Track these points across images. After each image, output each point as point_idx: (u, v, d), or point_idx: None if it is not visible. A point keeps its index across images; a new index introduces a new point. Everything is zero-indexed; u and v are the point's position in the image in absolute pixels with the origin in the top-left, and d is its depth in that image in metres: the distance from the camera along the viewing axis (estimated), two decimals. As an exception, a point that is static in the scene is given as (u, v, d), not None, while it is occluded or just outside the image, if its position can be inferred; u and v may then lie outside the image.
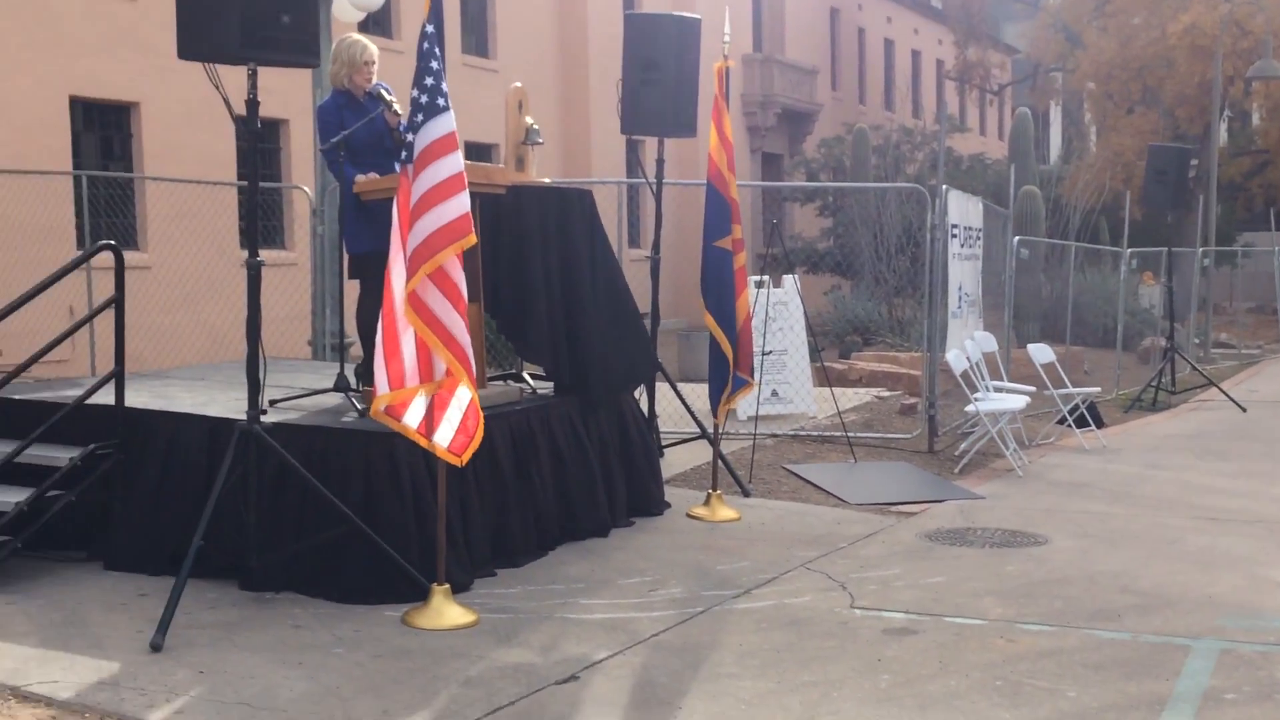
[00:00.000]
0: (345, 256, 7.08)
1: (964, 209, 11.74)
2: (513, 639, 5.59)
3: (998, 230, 14.19)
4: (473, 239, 5.64)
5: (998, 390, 11.42)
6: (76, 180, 14.88)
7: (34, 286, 6.36)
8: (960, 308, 11.56)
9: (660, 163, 8.91)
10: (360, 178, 6.71)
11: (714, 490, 8.22)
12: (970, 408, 10.59)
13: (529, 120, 7.38)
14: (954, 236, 11.20)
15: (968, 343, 11.39)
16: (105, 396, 6.72)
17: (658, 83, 8.59)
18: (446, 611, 5.78)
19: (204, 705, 4.74)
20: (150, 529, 6.46)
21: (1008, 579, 6.79)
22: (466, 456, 5.69)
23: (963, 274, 11.64)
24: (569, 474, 7.32)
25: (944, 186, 10.78)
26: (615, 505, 7.70)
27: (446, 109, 5.67)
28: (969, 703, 4.94)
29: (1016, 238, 14.60)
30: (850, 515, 8.34)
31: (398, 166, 6.84)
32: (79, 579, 6.29)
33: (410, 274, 5.55)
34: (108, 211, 15.43)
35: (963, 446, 10.70)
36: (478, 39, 25.63)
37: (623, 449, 7.91)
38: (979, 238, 12.51)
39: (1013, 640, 5.70)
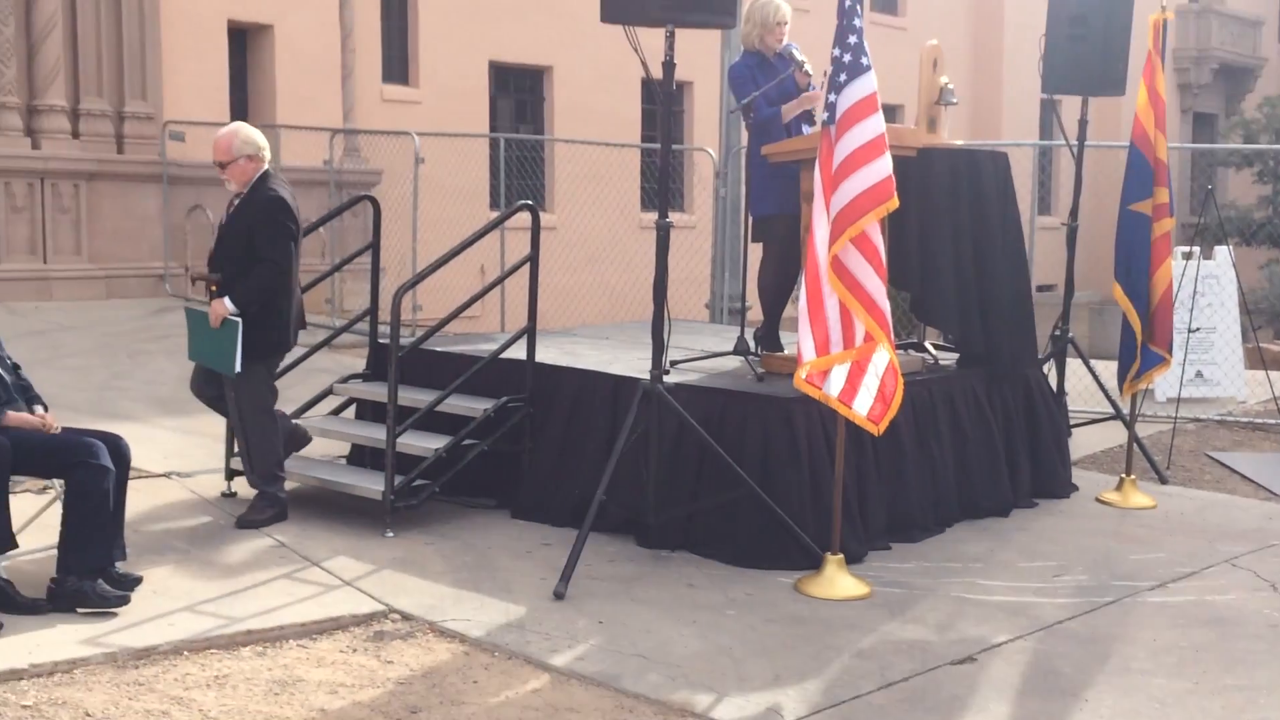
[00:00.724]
0: (748, 219, 7.22)
1: None
2: (907, 614, 5.59)
3: None
4: (895, 203, 5.64)
5: None
6: (493, 143, 15.85)
7: (459, 245, 6.85)
8: None
9: (1083, 123, 8.58)
10: (787, 107, 6.84)
11: (1127, 475, 7.88)
12: None
13: (944, 79, 7.27)
14: None
15: None
16: (516, 352, 7.17)
17: (1085, 38, 8.26)
18: (839, 581, 5.84)
19: (602, 654, 5.01)
20: (554, 481, 6.85)
21: None
22: (884, 425, 5.72)
23: None
24: (970, 449, 7.20)
25: None
26: (1018, 485, 7.52)
27: (869, 69, 5.67)
28: None
29: None
30: (1284, 511, 7.79)
31: (805, 129, 6.92)
32: (488, 525, 6.76)
33: (833, 238, 5.61)
34: (520, 173, 16.35)
35: None
36: (886, -5, 25.35)
37: (1028, 426, 7.71)
38: None
39: None
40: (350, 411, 7.70)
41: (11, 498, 5.16)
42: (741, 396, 6.44)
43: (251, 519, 6.44)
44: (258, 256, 6.34)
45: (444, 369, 7.28)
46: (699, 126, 20.59)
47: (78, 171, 13.91)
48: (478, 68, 18.58)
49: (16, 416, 5.28)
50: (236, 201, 6.48)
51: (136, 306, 13.66)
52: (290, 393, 8.28)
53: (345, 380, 7.64)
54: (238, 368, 6.35)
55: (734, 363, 7.24)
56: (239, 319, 6.32)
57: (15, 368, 5.60)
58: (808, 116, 7.12)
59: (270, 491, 6.53)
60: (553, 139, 17.80)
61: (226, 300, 6.32)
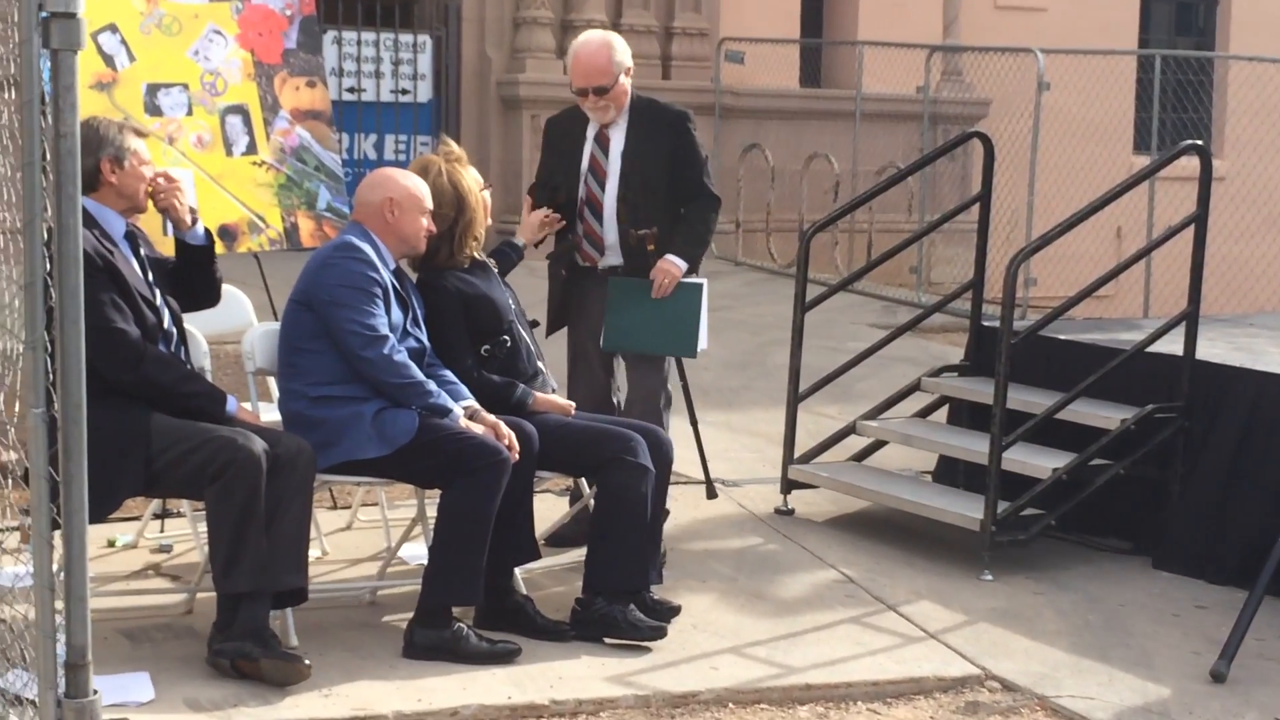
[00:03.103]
0: None
1: None
2: None
3: None
4: None
5: None
6: (1143, 63, 15.47)
7: (1098, 199, 6.77)
8: None
9: None
10: None
11: None
12: None
13: None
14: None
15: None
16: (1168, 344, 7.00)
17: None
18: None
19: (1278, 763, 4.83)
20: (1216, 522, 6.66)
21: None
22: None
23: None
24: None
25: None
26: None
27: None
28: None
29: None
30: None
31: None
32: (1120, 575, 6.66)
33: None
34: (1177, 104, 15.86)
35: None
36: None
37: None
38: None
39: None
40: (941, 414, 7.79)
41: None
42: None
43: None
44: (684, 194, 6.35)
45: (1068, 363, 7.22)
46: None
47: (616, 101, 14.84)
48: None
49: (545, 400, 5.72)
50: (615, 132, 6.38)
51: (676, 270, 14.41)
52: (862, 386, 8.52)
53: (936, 373, 7.75)
54: (703, 344, 6.42)
55: None
56: (703, 281, 6.38)
57: (534, 324, 6.04)
58: None
59: None
60: (1228, 56, 17.13)
61: (675, 258, 6.29)
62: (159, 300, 5.23)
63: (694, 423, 6.76)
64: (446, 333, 5.64)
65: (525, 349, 5.83)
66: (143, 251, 5.29)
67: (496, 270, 5.95)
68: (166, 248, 5.63)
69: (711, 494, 6.99)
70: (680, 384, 6.67)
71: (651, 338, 6.35)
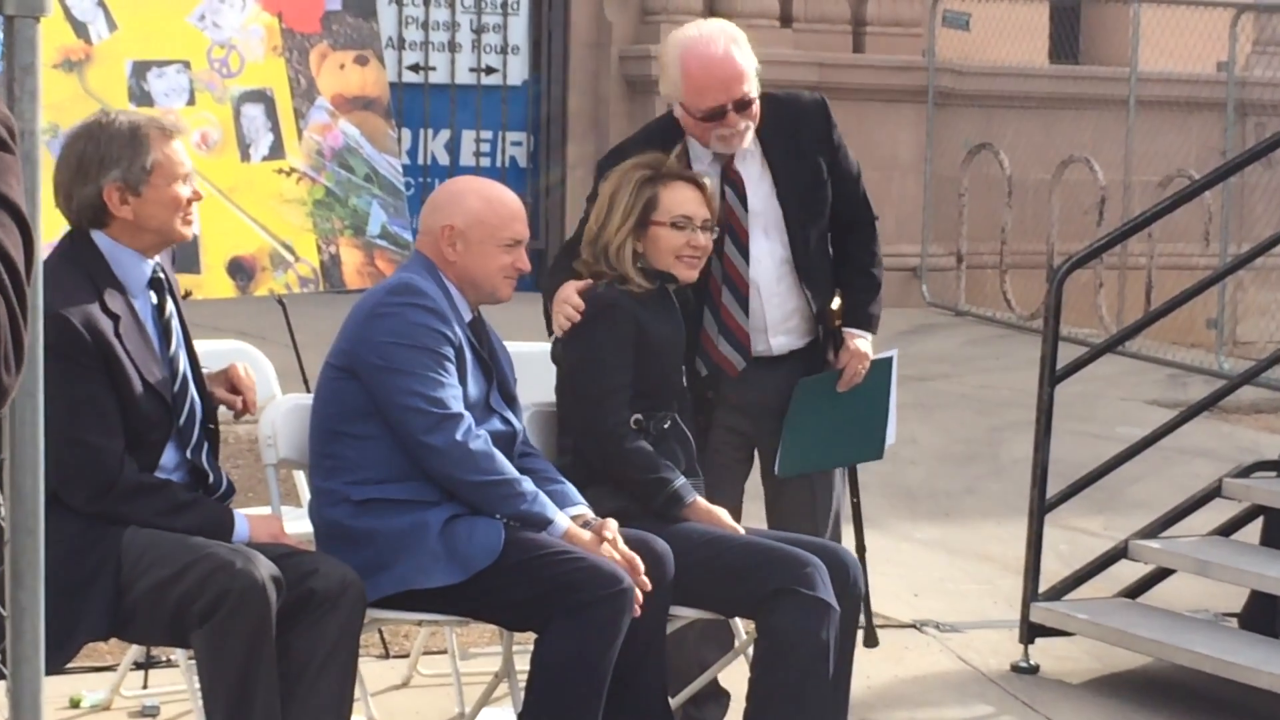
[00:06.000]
0: None
1: None
2: None
3: None
4: None
5: None
6: None
7: None
8: None
9: None
10: None
11: None
12: None
13: None
14: None
15: None
16: None
17: None
18: None
19: None
20: None
21: None
22: None
23: None
24: None
25: None
26: None
27: None
28: None
29: None
30: None
31: None
32: None
33: None
34: None
35: None
36: None
37: None
38: None
39: None
40: (1252, 531, 7.68)
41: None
42: None
43: None
44: (842, 219, 6.11)
45: None
46: None
47: (788, 82, 14.81)
48: None
49: (708, 509, 5.63)
50: (748, 164, 6.01)
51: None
52: (1138, 490, 8.44)
53: (1245, 473, 7.63)
54: (891, 438, 6.34)
55: None
56: (893, 353, 6.33)
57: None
58: None
59: None
60: None
61: (861, 332, 6.10)
62: (178, 382, 5.08)
63: (860, 539, 6.53)
64: (602, 370, 5.55)
65: (687, 439, 5.73)
66: (170, 305, 5.17)
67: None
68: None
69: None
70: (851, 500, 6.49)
71: (834, 447, 6.21)
